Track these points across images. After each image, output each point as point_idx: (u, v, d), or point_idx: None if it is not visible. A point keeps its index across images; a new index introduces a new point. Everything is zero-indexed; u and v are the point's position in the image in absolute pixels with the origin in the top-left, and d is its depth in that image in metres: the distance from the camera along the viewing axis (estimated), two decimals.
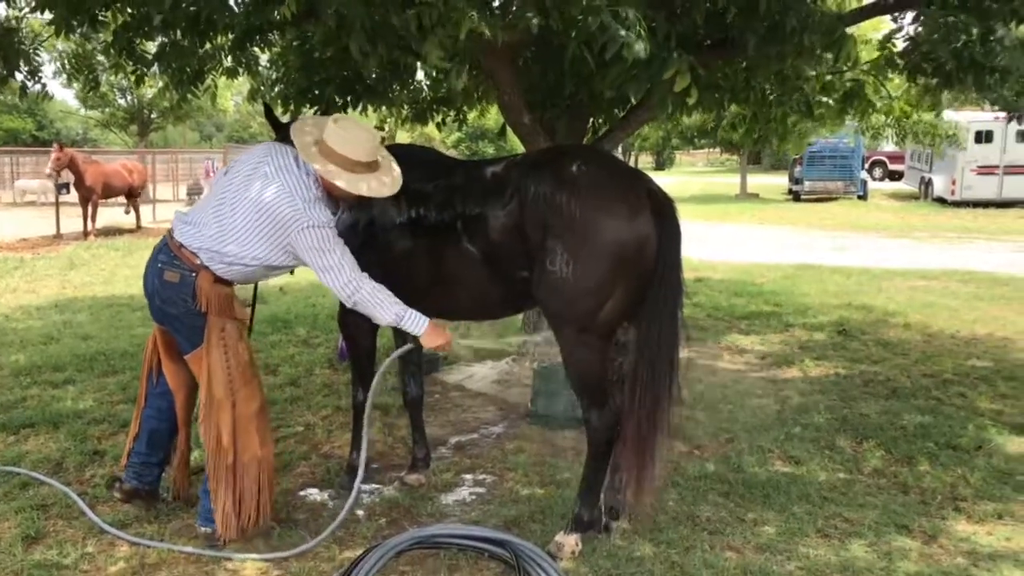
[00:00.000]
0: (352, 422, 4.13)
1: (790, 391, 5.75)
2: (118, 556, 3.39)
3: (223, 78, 6.41)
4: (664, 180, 3.91)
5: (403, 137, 23.53)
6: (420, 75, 6.91)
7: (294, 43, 6.06)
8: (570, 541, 3.37)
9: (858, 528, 3.64)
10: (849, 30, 4.63)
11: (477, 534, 3.38)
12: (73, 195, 15.60)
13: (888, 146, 32.59)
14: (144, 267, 3.48)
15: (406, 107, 7.33)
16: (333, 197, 3.44)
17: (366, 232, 3.71)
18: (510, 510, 3.81)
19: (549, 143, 5.37)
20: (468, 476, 4.28)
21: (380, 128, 7.73)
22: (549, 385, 5.04)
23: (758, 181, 31.40)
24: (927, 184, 23.92)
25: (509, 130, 5.81)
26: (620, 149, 7.46)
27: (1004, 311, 8.58)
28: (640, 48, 3.54)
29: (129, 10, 5.09)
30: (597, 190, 3.26)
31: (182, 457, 3.79)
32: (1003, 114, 5.38)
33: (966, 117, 18.22)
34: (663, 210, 3.30)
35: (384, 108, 7.14)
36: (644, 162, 47.25)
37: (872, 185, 27.43)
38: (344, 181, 3.28)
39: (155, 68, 5.69)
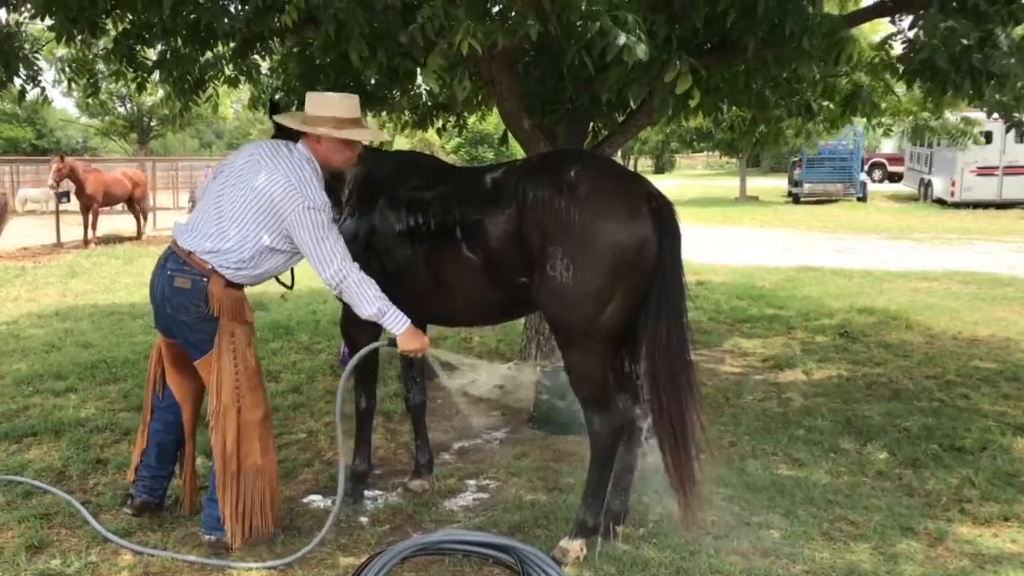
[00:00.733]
0: (355, 428, 4.12)
1: (793, 394, 5.75)
2: (121, 565, 3.38)
3: (224, 86, 6.41)
4: (664, 183, 3.92)
5: (403, 143, 23.56)
6: (419, 80, 6.91)
7: (294, 50, 6.06)
8: (575, 546, 3.36)
9: (863, 531, 3.63)
10: (850, 31, 4.63)
11: (481, 540, 3.37)
12: (74, 203, 15.60)
13: (889, 147, 32.71)
14: (150, 277, 3.49)
15: (406, 113, 7.34)
16: (332, 168, 3.52)
17: (367, 239, 3.71)
18: (514, 515, 3.81)
19: (549, 148, 5.37)
20: (472, 482, 4.28)
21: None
22: (552, 390, 5.03)
23: (757, 184, 31.41)
24: (927, 185, 23.92)
25: (510, 135, 5.81)
26: (620, 153, 7.45)
27: (1006, 312, 8.58)
28: (640, 51, 3.54)
29: (129, 17, 5.10)
30: (595, 194, 3.26)
31: (190, 468, 3.79)
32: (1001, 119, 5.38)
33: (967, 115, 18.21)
34: (662, 213, 3.30)
35: (384, 114, 7.15)
36: (644, 165, 47.24)
37: (871, 187, 27.44)
38: (330, 131, 3.38)
39: (156, 76, 5.70)
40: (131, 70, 5.60)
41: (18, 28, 5.24)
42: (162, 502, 3.79)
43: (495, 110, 6.87)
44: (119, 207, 17.06)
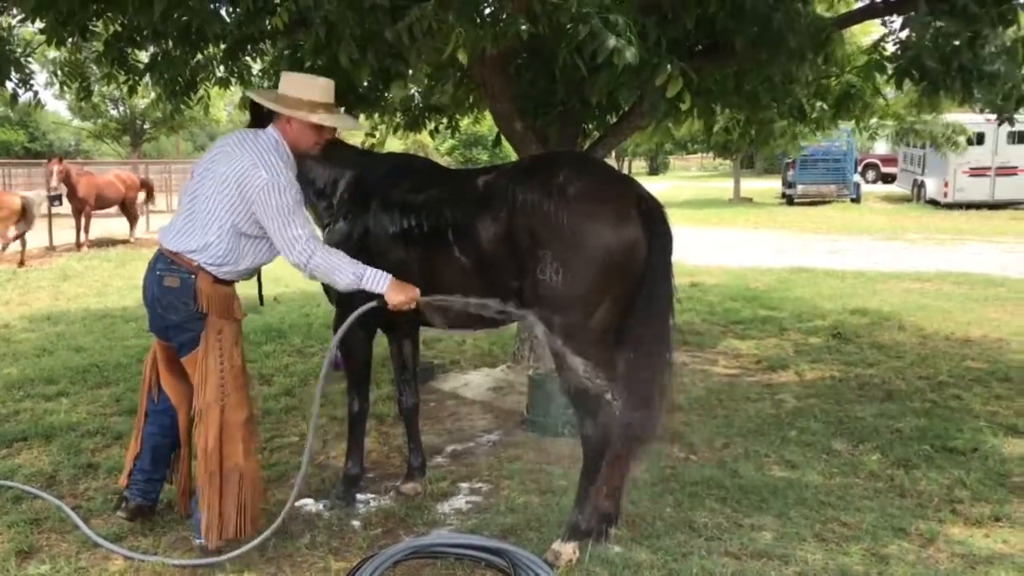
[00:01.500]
0: (348, 431, 4.11)
1: (785, 395, 5.75)
2: (112, 570, 3.37)
3: (215, 88, 6.41)
4: (657, 185, 3.92)
5: (396, 144, 23.54)
6: (411, 83, 6.90)
7: (285, 52, 6.06)
8: (567, 549, 3.35)
9: (855, 532, 3.63)
10: (838, 34, 4.65)
11: (474, 543, 3.37)
12: (66, 206, 15.56)
13: (882, 148, 32.79)
14: (142, 279, 3.48)
15: (399, 114, 7.34)
16: (300, 153, 3.50)
17: (360, 242, 3.71)
18: (507, 518, 3.80)
19: (542, 150, 5.37)
20: (464, 485, 4.27)
21: (371, 135, 7.73)
22: (544, 393, 5.03)
23: (751, 185, 31.48)
24: (920, 186, 24.00)
25: (503, 137, 5.81)
26: (613, 154, 7.47)
27: (998, 312, 8.60)
28: (631, 54, 3.54)
29: (120, 20, 5.09)
30: (585, 197, 3.26)
31: (185, 471, 3.77)
32: (994, 116, 5.40)
33: (956, 119, 18.27)
34: (652, 215, 3.30)
35: (377, 116, 7.14)
36: (638, 167, 47.33)
37: (865, 188, 27.52)
38: (304, 115, 3.38)
39: (147, 78, 5.69)
40: (122, 73, 5.59)
41: (9, 31, 5.22)
42: (154, 506, 3.77)
43: (487, 112, 6.88)
44: (112, 210, 17.02)
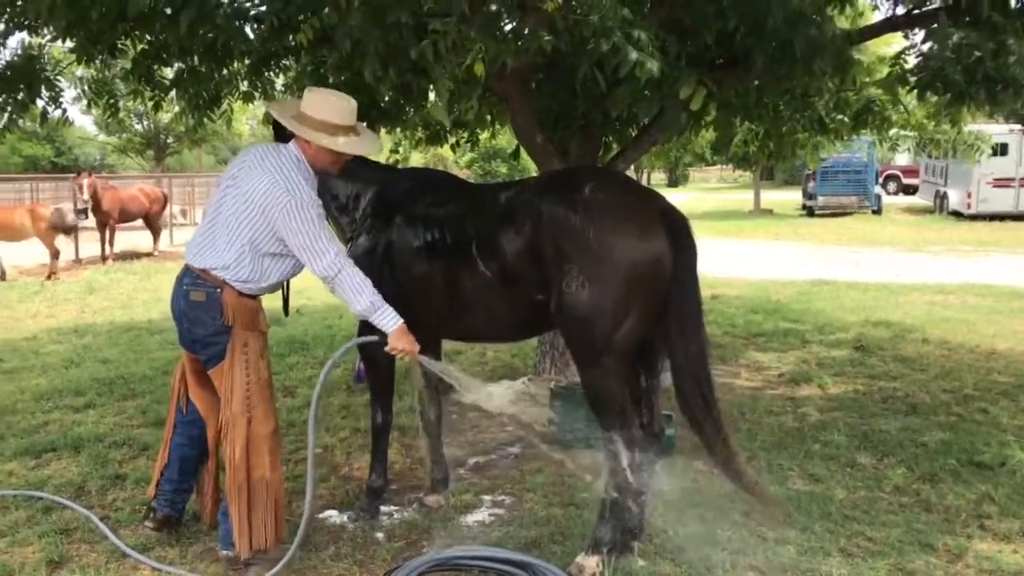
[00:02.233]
0: (371, 444, 4.14)
1: (809, 408, 5.72)
2: None
3: (239, 103, 6.49)
4: (677, 197, 3.93)
5: (416, 158, 23.66)
6: (432, 96, 6.96)
7: (309, 68, 6.13)
8: (591, 563, 3.35)
9: (881, 547, 3.61)
10: (860, 47, 4.64)
11: (498, 556, 3.37)
12: (91, 220, 15.81)
13: (903, 159, 32.55)
14: (170, 293, 3.52)
15: (419, 129, 7.40)
16: (318, 170, 3.49)
17: (383, 256, 3.74)
18: (530, 531, 3.80)
19: (562, 163, 5.40)
20: (487, 497, 4.28)
21: (395, 151, 7.80)
22: (566, 405, 5.03)
23: (771, 197, 31.32)
24: (942, 198, 23.78)
25: (523, 150, 5.84)
26: (633, 167, 7.47)
27: None
28: (653, 67, 3.56)
29: (148, 38, 5.18)
30: (610, 211, 3.28)
31: (211, 483, 3.81)
32: (1019, 127, 5.37)
33: (980, 129, 18.09)
34: (677, 228, 3.31)
35: (398, 130, 7.20)
36: (657, 179, 47.25)
37: (886, 199, 27.30)
38: (324, 140, 3.36)
39: (172, 94, 5.78)
40: (149, 89, 5.68)
41: (40, 50, 5.32)
42: (182, 516, 3.81)
43: (508, 126, 6.92)
44: (137, 223, 17.24)
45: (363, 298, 3.34)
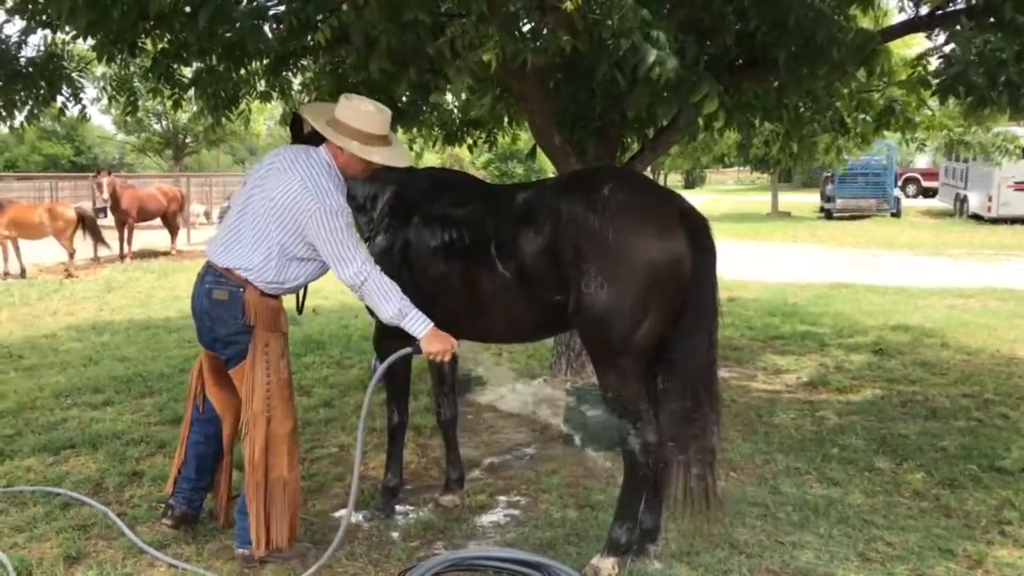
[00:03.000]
0: (387, 444, 4.14)
1: (827, 412, 5.68)
2: None
3: (257, 102, 6.52)
4: (694, 199, 3.90)
5: (433, 158, 23.70)
6: (449, 97, 6.96)
7: (327, 68, 6.15)
8: (606, 564, 3.34)
9: (900, 552, 3.57)
10: (883, 47, 4.60)
11: (513, 556, 3.36)
12: (109, 219, 15.96)
13: (923, 162, 32.26)
14: (192, 291, 3.53)
15: (436, 129, 7.41)
16: (348, 177, 3.49)
17: (401, 255, 3.74)
18: (545, 532, 3.79)
19: (579, 164, 5.38)
20: (502, 498, 4.27)
21: (410, 150, 7.80)
22: (582, 406, 5.02)
23: (789, 199, 31.19)
24: (962, 201, 23.58)
25: (539, 150, 5.83)
26: (650, 168, 7.43)
27: None
28: (672, 67, 3.54)
29: (167, 36, 5.21)
30: (629, 212, 3.26)
31: (226, 481, 3.82)
32: None
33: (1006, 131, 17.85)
34: (697, 230, 3.29)
35: (415, 130, 7.21)
36: (674, 181, 47.09)
37: (905, 202, 27.11)
38: (356, 149, 3.35)
39: (191, 93, 5.81)
40: (168, 88, 5.71)
41: (62, 47, 5.37)
42: (198, 514, 3.83)
43: (524, 127, 6.91)
44: (155, 222, 17.38)
45: (391, 305, 3.31)
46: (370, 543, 3.73)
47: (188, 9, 4.57)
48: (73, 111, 5.57)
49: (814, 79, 4.85)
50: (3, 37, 5.16)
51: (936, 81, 4.65)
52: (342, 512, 4.01)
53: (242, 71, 5.71)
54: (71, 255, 13.96)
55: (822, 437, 5.11)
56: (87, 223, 14.08)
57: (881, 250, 16.90)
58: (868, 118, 6.25)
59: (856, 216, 24.40)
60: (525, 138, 8.88)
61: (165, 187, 17.81)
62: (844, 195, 24.91)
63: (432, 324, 3.36)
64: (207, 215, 23.13)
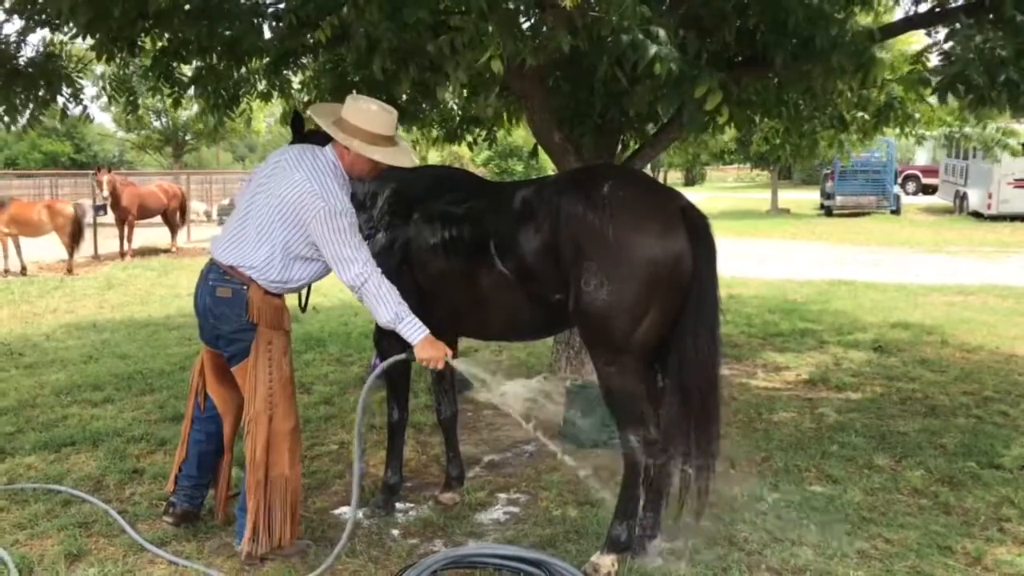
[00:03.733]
0: (387, 441, 4.15)
1: (826, 409, 5.68)
2: (157, 574, 3.43)
3: (257, 101, 6.52)
4: (694, 196, 3.92)
5: (433, 156, 23.68)
6: (448, 95, 6.96)
7: (327, 66, 6.15)
8: (606, 562, 3.35)
9: (899, 549, 3.58)
10: (883, 44, 4.59)
11: (512, 554, 3.36)
12: (110, 216, 15.96)
13: (923, 159, 32.23)
14: (194, 288, 3.53)
15: (436, 127, 7.40)
16: (354, 177, 3.50)
17: (401, 253, 3.75)
18: (545, 529, 3.80)
19: (579, 161, 5.39)
20: (502, 495, 4.28)
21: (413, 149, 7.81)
22: (581, 404, 5.02)
23: (789, 196, 31.17)
24: (962, 198, 23.55)
25: (540, 148, 5.84)
26: (649, 165, 7.43)
27: None
28: (672, 62, 3.54)
29: (167, 35, 5.21)
30: (630, 209, 3.26)
31: (225, 478, 3.83)
32: None
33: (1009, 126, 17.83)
34: (697, 227, 3.30)
35: (415, 128, 7.21)
36: (674, 178, 47.07)
37: (905, 199, 27.08)
38: (361, 147, 3.35)
39: (191, 91, 5.81)
40: (168, 86, 5.71)
41: (61, 48, 5.36)
42: (199, 511, 3.84)
43: (522, 125, 6.91)
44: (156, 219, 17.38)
45: (388, 309, 3.31)
46: (370, 540, 3.74)
47: (187, 7, 4.57)
48: (75, 112, 5.56)
49: (812, 78, 4.86)
50: (2, 37, 5.15)
51: (936, 80, 4.66)
52: (345, 511, 4.03)
53: (242, 69, 5.71)
54: (71, 252, 13.95)
55: (821, 434, 5.12)
56: (77, 224, 13.99)
57: (881, 247, 16.90)
58: (866, 116, 6.25)
59: (856, 213, 24.38)
60: (525, 135, 8.89)
61: (165, 184, 17.80)
62: (844, 192, 24.89)
63: (427, 331, 3.35)
64: (207, 215, 23.13)
